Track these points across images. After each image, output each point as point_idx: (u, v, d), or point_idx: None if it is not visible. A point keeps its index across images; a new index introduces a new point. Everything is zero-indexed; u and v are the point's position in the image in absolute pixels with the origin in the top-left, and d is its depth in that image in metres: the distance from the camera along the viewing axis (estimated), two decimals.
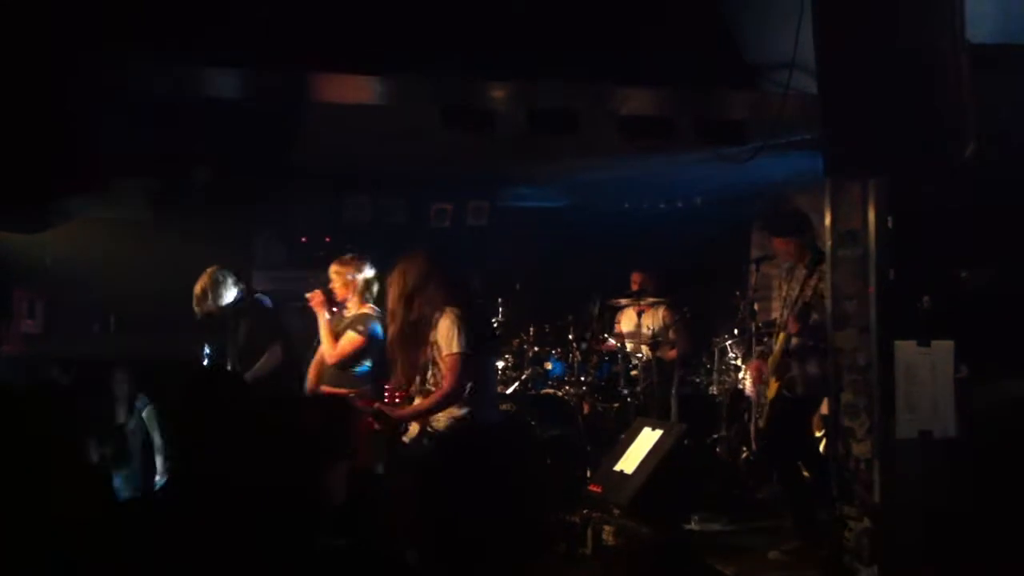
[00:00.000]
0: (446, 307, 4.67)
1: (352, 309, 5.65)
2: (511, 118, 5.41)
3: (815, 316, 5.26)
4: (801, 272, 5.45)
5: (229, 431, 2.38)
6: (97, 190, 5.66)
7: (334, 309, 5.63)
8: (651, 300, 8.00)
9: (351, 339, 5.52)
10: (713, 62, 4.99)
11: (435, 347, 4.70)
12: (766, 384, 5.54)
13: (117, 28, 4.26)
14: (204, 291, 6.20)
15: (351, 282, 5.62)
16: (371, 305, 5.65)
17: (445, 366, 4.59)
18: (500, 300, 8.20)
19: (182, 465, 2.66)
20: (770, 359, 5.53)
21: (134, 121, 5.16)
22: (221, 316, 6.16)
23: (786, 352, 5.42)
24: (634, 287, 8.19)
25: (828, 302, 4.96)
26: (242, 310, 6.19)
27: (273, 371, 6.03)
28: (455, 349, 4.56)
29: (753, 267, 6.67)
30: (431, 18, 4.67)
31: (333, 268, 5.70)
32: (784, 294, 5.60)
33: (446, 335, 4.60)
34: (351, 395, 5.28)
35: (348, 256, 5.71)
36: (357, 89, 5.18)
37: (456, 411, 4.65)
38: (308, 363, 5.73)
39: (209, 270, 6.26)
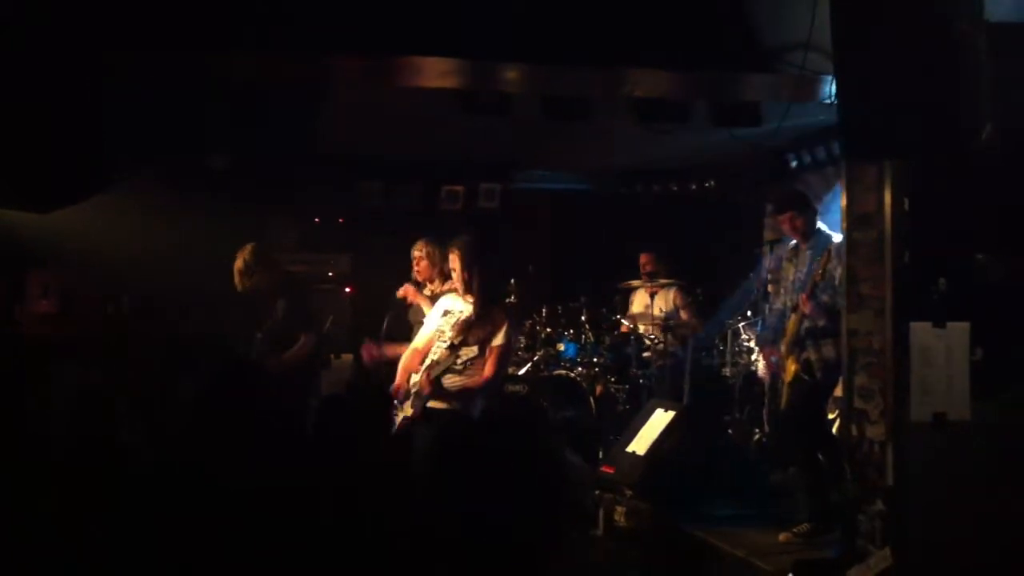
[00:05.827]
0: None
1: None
2: (525, 102, 5.39)
3: (825, 298, 5.25)
4: (805, 253, 5.44)
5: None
6: (108, 173, 5.65)
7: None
8: (663, 282, 8.00)
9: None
10: (728, 44, 4.97)
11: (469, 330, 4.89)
12: (782, 368, 5.53)
13: (133, 8, 4.26)
14: (247, 265, 5.98)
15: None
16: None
17: (492, 354, 4.84)
18: (512, 282, 8.20)
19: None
20: (784, 340, 5.52)
21: (149, 103, 5.16)
22: (261, 293, 5.99)
23: (799, 334, 5.41)
24: (642, 269, 8.19)
25: (842, 284, 4.94)
26: (283, 288, 6.05)
27: (306, 359, 5.97)
28: (505, 341, 4.85)
29: (766, 249, 6.64)
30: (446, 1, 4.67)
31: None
32: (788, 276, 5.58)
33: (500, 325, 4.84)
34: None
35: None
36: (372, 72, 5.18)
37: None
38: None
39: (250, 246, 6.05)
